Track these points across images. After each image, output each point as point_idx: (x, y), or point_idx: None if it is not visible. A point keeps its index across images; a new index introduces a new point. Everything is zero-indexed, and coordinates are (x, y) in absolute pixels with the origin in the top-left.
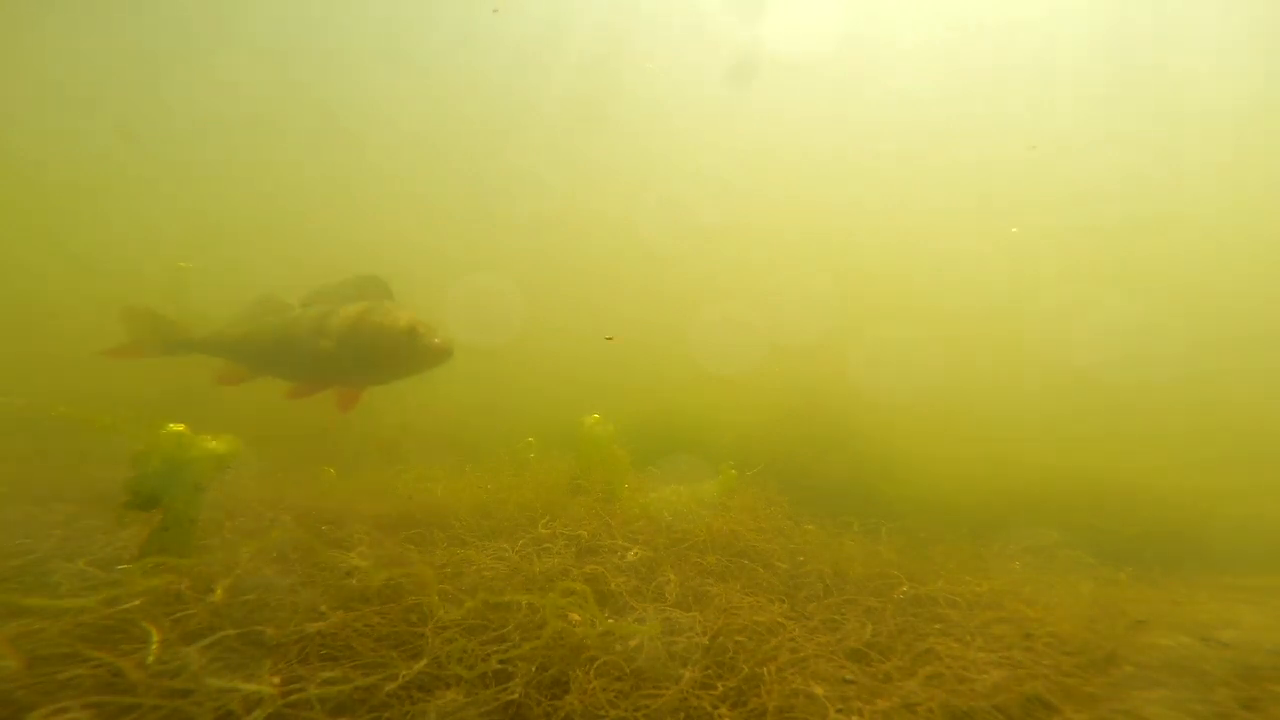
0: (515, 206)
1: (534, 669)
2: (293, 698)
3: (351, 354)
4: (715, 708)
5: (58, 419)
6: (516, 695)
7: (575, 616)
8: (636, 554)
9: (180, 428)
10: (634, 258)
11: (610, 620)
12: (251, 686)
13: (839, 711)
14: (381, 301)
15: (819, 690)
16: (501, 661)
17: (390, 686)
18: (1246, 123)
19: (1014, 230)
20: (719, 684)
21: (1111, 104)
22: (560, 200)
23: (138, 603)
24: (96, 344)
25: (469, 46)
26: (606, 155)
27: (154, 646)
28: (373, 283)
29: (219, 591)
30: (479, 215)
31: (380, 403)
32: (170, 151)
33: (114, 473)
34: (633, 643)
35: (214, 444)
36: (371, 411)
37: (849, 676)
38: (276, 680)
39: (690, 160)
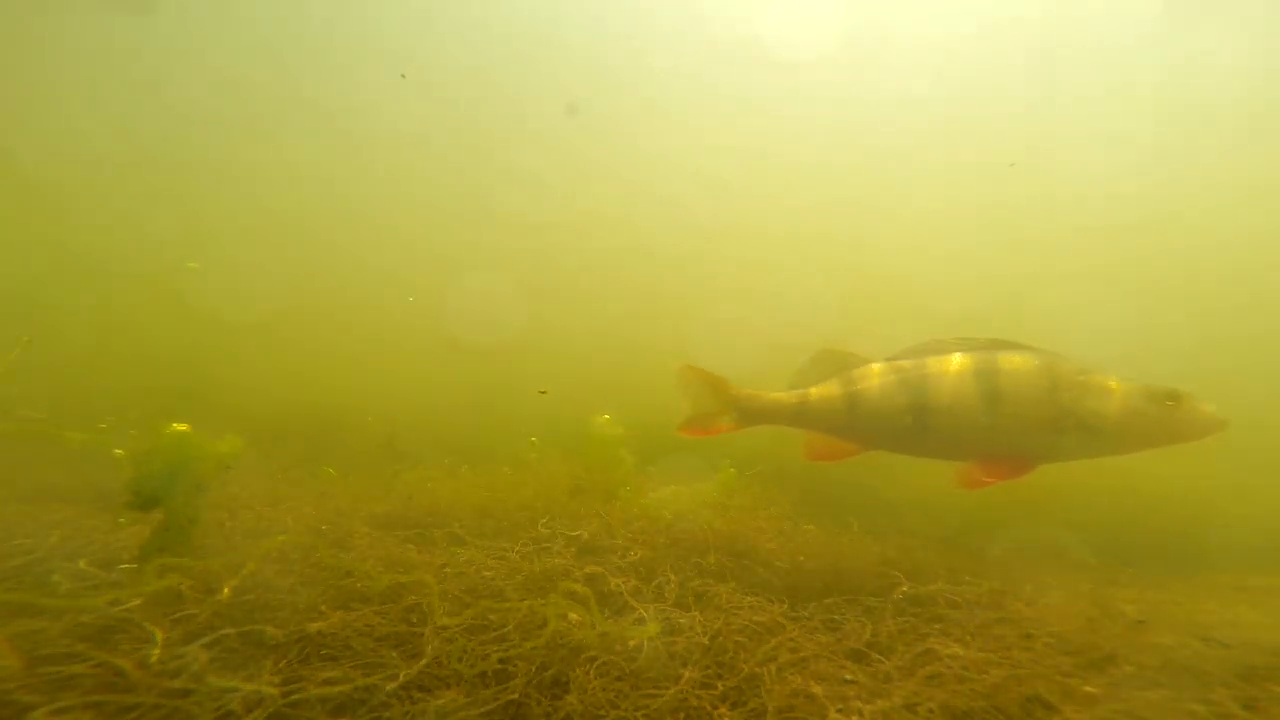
0: (515, 206)
1: (534, 668)
2: (293, 697)
3: (1058, 421)
4: (715, 708)
5: (56, 420)
6: (516, 695)
7: (575, 616)
8: (636, 554)
9: (183, 427)
10: (634, 258)
11: (610, 620)
12: (252, 686)
13: (839, 711)
14: (1046, 351)
15: (819, 690)
16: (501, 661)
17: (390, 686)
18: (1249, 121)
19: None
20: (719, 684)
21: (1113, 102)
22: (560, 200)
23: (138, 602)
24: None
25: (468, 46)
26: (607, 155)
27: (156, 647)
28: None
29: (226, 591)
30: (479, 215)
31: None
32: (171, 151)
33: (114, 472)
34: (633, 643)
35: (215, 444)
36: (371, 412)
37: (849, 676)
38: (277, 680)
39: (690, 160)
